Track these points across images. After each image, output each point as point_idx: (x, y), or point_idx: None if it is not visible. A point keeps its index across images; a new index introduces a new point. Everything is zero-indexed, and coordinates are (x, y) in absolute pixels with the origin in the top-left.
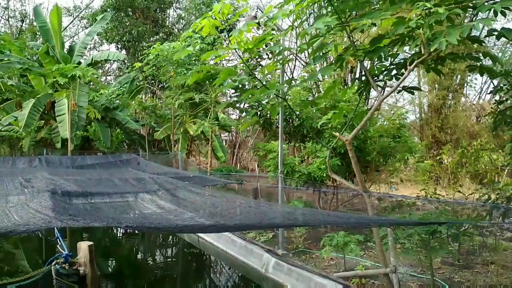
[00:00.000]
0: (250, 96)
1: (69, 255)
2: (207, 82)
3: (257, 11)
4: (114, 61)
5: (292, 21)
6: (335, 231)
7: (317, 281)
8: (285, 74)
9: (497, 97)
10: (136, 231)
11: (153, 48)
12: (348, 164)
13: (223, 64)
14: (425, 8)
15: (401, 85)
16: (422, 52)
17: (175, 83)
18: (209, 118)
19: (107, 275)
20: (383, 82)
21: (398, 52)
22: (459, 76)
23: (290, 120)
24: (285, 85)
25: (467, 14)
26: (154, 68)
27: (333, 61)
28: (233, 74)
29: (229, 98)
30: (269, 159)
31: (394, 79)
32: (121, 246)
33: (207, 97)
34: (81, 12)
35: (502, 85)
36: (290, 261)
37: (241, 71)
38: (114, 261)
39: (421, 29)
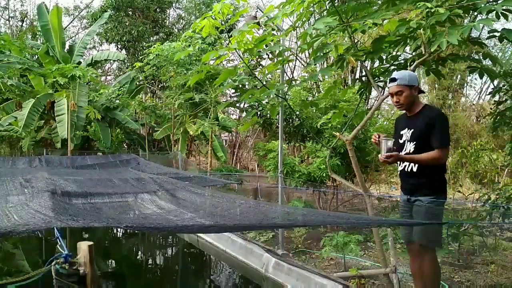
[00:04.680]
0: (250, 96)
1: (69, 255)
2: (207, 82)
3: (257, 11)
4: (114, 61)
5: (294, 22)
6: (335, 231)
7: (317, 281)
8: (285, 74)
9: (496, 98)
10: (136, 231)
11: (153, 48)
12: (348, 164)
13: (223, 64)
14: (426, 8)
15: None
16: (423, 53)
17: (175, 83)
18: (209, 118)
19: (107, 275)
20: (383, 82)
21: (399, 53)
22: (459, 76)
23: (290, 120)
24: (285, 85)
25: (468, 15)
26: (154, 68)
27: (334, 62)
28: (233, 75)
29: (229, 98)
30: (269, 159)
31: None
32: (121, 246)
33: (207, 97)
34: (81, 12)
35: (501, 85)
36: (290, 261)
37: (241, 71)
38: (114, 261)
39: (422, 29)
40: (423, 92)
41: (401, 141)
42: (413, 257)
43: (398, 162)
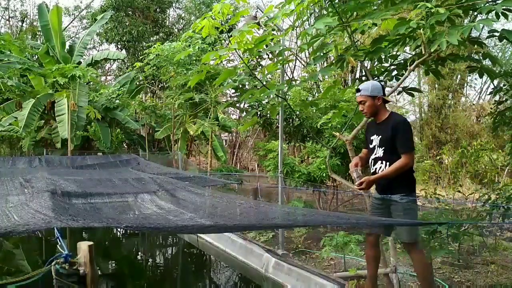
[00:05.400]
0: (250, 96)
1: (69, 255)
2: (207, 82)
3: (257, 11)
4: (114, 60)
5: (293, 22)
6: (335, 231)
7: (317, 281)
8: (285, 74)
9: (497, 97)
10: (136, 231)
11: (153, 48)
12: (348, 164)
13: (223, 64)
14: (426, 8)
15: (401, 86)
16: (423, 53)
17: (175, 83)
18: (209, 118)
19: (107, 275)
20: (383, 82)
21: (398, 53)
22: (459, 76)
23: (290, 120)
24: (285, 85)
25: (468, 15)
26: (154, 68)
27: (334, 61)
28: (233, 75)
29: (229, 98)
30: (269, 159)
31: (394, 80)
32: (121, 246)
33: (207, 97)
34: (81, 12)
35: (501, 85)
36: (290, 261)
37: (242, 71)
38: (114, 261)
39: (421, 29)
40: (389, 101)
41: (371, 146)
42: (370, 246)
43: (371, 164)
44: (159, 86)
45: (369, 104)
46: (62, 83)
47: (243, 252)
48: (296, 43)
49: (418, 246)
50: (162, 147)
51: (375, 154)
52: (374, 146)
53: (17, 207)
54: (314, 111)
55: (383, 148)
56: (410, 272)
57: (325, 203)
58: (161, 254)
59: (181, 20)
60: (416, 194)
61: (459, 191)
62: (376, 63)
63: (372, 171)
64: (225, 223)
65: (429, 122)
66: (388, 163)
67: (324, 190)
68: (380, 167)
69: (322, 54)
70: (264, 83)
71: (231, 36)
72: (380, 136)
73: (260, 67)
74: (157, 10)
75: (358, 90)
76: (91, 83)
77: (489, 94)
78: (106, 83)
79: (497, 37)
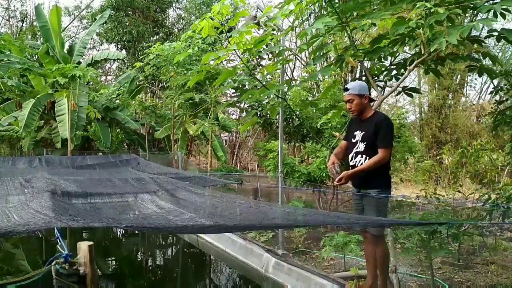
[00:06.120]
0: (250, 96)
1: (69, 255)
2: (207, 82)
3: (257, 11)
4: (114, 60)
5: (292, 21)
6: (335, 231)
7: (317, 281)
8: (285, 74)
9: (497, 97)
10: (136, 231)
11: (153, 48)
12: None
13: (223, 64)
14: (425, 8)
15: (401, 85)
16: (422, 52)
17: (175, 83)
18: (209, 118)
19: (107, 275)
20: (383, 82)
21: (398, 52)
22: (459, 76)
23: (290, 120)
24: (285, 85)
25: (467, 15)
26: (154, 68)
27: (333, 61)
28: (233, 75)
29: (229, 98)
30: (269, 159)
31: (394, 79)
32: (121, 246)
33: (207, 97)
34: (81, 12)
35: (502, 85)
36: (290, 261)
37: (241, 71)
38: (114, 261)
39: (421, 29)
40: (374, 100)
41: (354, 140)
42: (366, 243)
43: (350, 158)
44: (159, 86)
45: (356, 102)
46: (62, 83)
47: (243, 252)
48: (296, 43)
49: (383, 238)
50: (162, 147)
51: (357, 148)
52: (357, 140)
53: (17, 207)
54: (314, 111)
55: (365, 143)
56: (410, 272)
57: (325, 203)
58: (161, 254)
59: (181, 20)
60: (391, 192)
61: (459, 191)
62: (376, 62)
63: (352, 164)
64: (225, 223)
65: (429, 122)
66: (367, 157)
67: (324, 190)
68: (360, 161)
69: (321, 54)
70: (264, 83)
71: (230, 36)
72: (364, 132)
73: (260, 67)
74: (157, 10)
75: (346, 89)
76: (91, 83)
77: (489, 94)
78: (106, 83)
79: (495, 37)
